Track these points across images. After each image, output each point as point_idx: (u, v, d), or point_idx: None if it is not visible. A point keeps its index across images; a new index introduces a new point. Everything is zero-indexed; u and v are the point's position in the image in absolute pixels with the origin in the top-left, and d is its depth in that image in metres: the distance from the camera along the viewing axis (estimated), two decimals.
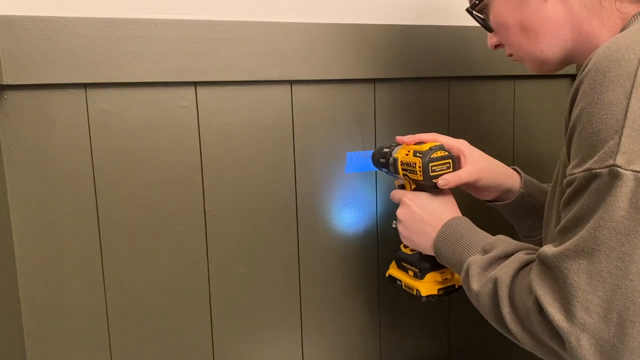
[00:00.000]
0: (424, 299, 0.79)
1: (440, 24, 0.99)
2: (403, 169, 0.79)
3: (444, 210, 0.76)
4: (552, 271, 0.54)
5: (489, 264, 0.64)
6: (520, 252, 0.64)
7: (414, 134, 0.83)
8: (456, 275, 0.80)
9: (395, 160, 0.81)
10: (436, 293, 0.79)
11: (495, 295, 0.61)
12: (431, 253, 0.75)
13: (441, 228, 0.73)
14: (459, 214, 0.76)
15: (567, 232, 0.55)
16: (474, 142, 0.84)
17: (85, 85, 0.80)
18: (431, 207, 0.76)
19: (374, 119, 0.98)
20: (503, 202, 0.84)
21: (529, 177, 0.85)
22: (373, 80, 0.97)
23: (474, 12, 0.76)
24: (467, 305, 1.11)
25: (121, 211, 0.84)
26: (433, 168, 0.75)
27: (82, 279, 0.84)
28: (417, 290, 0.80)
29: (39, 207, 0.80)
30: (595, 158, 0.52)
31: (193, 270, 0.89)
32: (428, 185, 0.76)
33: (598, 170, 0.51)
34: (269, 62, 0.88)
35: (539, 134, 1.13)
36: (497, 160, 0.84)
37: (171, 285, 0.88)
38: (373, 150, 0.93)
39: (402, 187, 0.83)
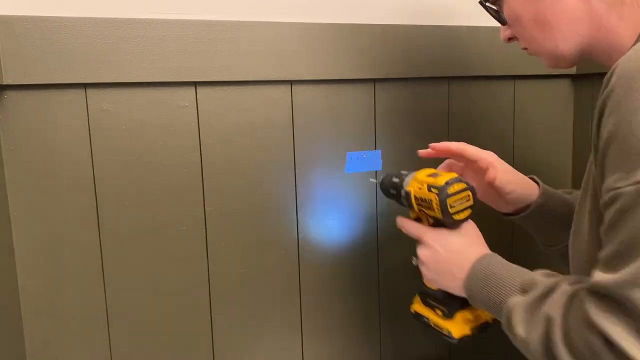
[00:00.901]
0: (457, 341, 0.71)
1: (440, 24, 0.99)
2: (418, 204, 0.73)
3: (471, 247, 0.70)
4: (617, 303, 0.49)
5: (533, 306, 0.58)
6: (562, 284, 0.58)
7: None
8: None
9: (408, 194, 0.74)
10: (470, 333, 0.71)
11: (548, 339, 0.55)
12: (462, 294, 0.69)
13: (470, 269, 0.67)
14: (487, 249, 0.70)
15: (622, 257, 0.49)
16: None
17: (85, 85, 0.80)
18: (456, 246, 0.70)
19: (374, 119, 0.98)
20: (520, 215, 0.81)
21: (546, 186, 0.82)
22: (373, 80, 0.97)
23: (487, 4, 0.73)
24: None
25: (121, 211, 0.84)
26: (452, 204, 0.68)
27: (82, 278, 0.84)
28: (448, 331, 0.72)
29: (39, 207, 0.80)
30: None
31: (193, 270, 0.89)
32: (448, 222, 0.70)
33: None
34: (269, 62, 0.88)
35: (539, 133, 1.13)
36: (521, 174, 0.81)
37: (171, 285, 0.88)
38: (373, 151, 0.93)
39: (419, 219, 0.76)
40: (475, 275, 0.66)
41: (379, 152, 0.99)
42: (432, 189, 0.69)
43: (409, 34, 0.97)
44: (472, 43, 1.01)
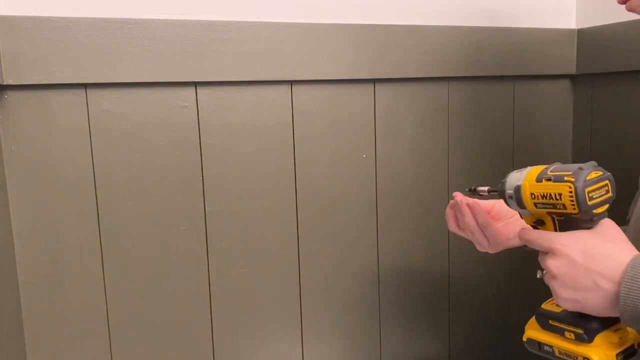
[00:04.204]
0: None
1: (440, 24, 0.99)
2: (539, 203, 0.59)
3: (616, 249, 0.55)
4: None
5: None
6: None
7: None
8: (630, 330, 0.59)
9: (518, 190, 0.60)
10: None
11: None
12: (612, 314, 0.55)
13: (626, 274, 0.52)
14: (636, 250, 0.56)
15: None
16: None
17: (85, 86, 0.80)
18: (599, 250, 0.55)
19: (373, 119, 0.98)
20: None
21: None
22: (373, 81, 0.97)
23: None
24: (466, 307, 1.11)
25: (121, 211, 0.84)
26: (591, 195, 0.55)
27: (83, 279, 0.84)
28: (585, 358, 0.58)
29: (39, 207, 0.80)
30: None
31: (193, 270, 0.89)
32: (585, 219, 0.57)
33: None
34: (269, 62, 0.88)
35: (539, 134, 1.13)
36: None
37: (171, 285, 0.88)
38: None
39: (540, 222, 0.62)
40: (635, 281, 0.52)
41: None
42: (565, 179, 0.56)
43: (409, 34, 0.97)
44: (472, 43, 1.01)
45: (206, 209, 0.89)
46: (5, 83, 0.75)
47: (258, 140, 0.91)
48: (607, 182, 0.57)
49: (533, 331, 0.63)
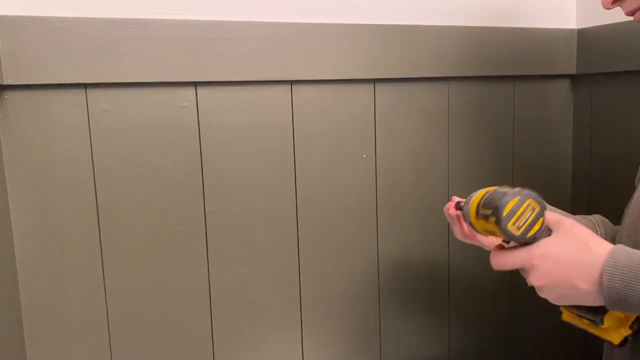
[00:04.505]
0: (619, 347, 0.61)
1: (439, 24, 0.99)
2: (488, 233, 0.61)
3: (584, 251, 0.56)
4: None
5: None
6: None
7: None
8: None
9: (472, 227, 0.62)
10: (630, 332, 0.59)
11: None
12: (600, 304, 0.57)
13: (605, 270, 0.54)
14: (603, 240, 0.58)
15: None
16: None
17: (85, 86, 0.81)
18: (567, 257, 0.57)
19: (373, 119, 0.98)
20: None
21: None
22: (373, 81, 0.97)
23: None
24: (467, 306, 1.11)
25: (121, 211, 0.84)
26: (517, 225, 0.56)
27: (83, 279, 0.84)
28: (605, 339, 0.62)
29: (39, 207, 0.80)
30: None
31: (193, 270, 0.89)
32: (530, 243, 0.58)
33: None
34: (269, 62, 0.88)
35: (539, 134, 1.13)
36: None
37: (171, 285, 0.88)
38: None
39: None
40: (615, 275, 0.53)
41: None
42: (490, 219, 0.57)
43: (408, 34, 0.97)
44: (472, 43, 1.01)
45: (206, 209, 0.89)
46: (5, 83, 0.75)
47: (258, 140, 0.91)
48: (529, 200, 0.56)
49: (566, 315, 0.65)
